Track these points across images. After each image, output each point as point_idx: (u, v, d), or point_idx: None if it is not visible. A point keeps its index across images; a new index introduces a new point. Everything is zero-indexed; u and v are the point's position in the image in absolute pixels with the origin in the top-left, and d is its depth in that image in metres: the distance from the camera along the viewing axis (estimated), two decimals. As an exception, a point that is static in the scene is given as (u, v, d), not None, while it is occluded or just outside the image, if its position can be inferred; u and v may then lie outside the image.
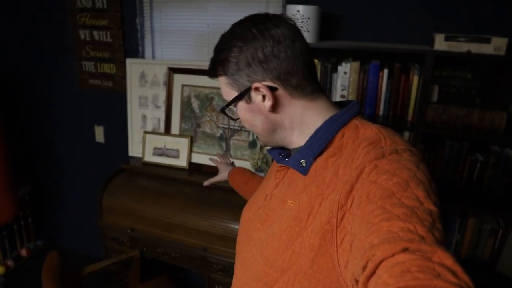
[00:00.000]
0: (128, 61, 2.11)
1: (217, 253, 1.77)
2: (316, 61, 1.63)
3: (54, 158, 2.61)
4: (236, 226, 1.74)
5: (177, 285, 1.46)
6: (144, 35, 2.12)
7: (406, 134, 1.55)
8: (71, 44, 2.23)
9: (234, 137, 1.99)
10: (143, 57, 2.15)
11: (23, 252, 2.71)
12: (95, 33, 2.15)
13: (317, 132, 0.68)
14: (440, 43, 1.38)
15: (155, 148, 2.11)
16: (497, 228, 1.61)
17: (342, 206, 0.56)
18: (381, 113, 1.62)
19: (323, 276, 0.59)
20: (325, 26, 1.66)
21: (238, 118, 0.75)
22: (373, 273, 0.41)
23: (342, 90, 1.62)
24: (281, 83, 0.68)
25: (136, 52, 2.13)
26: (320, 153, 0.66)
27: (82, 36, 2.19)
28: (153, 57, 2.15)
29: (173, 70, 2.04)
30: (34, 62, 2.38)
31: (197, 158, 2.05)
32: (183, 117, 2.08)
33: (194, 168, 2.04)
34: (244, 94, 0.69)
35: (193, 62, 2.02)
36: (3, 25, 2.37)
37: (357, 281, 0.46)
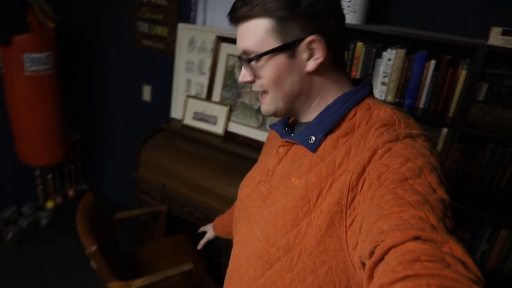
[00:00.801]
0: (180, 25, 2.21)
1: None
2: (360, 44, 1.61)
3: (104, 110, 2.83)
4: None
5: (196, 245, 1.59)
6: (198, 1, 2.20)
7: (445, 130, 1.50)
8: (131, 4, 2.36)
9: (270, 112, 2.04)
10: (194, 22, 2.23)
11: (70, 193, 3.02)
12: (152, -6, 2.26)
13: (328, 108, 0.66)
14: (496, 38, 1.30)
15: (195, 113, 2.22)
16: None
17: (353, 188, 0.55)
18: (421, 105, 1.57)
19: (329, 257, 0.59)
20: (374, 8, 1.62)
21: (254, 76, 0.67)
22: (381, 259, 0.41)
23: (384, 77, 1.60)
24: (330, 45, 0.62)
25: (188, 17, 2.22)
26: (331, 131, 0.64)
27: (141, -3, 2.31)
28: (204, 24, 2.23)
29: (221, 39, 2.10)
30: (96, 19, 2.56)
31: (233, 127, 2.13)
32: (225, 86, 2.15)
33: (229, 136, 2.13)
34: (290, 47, 0.62)
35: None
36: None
37: (363, 264, 0.46)
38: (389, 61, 1.57)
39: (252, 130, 2.08)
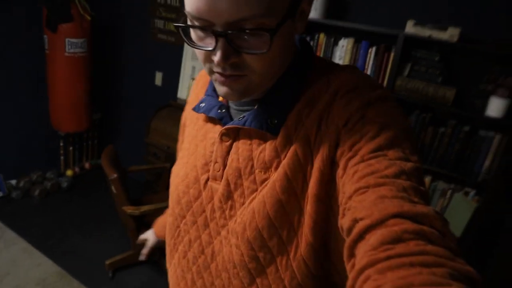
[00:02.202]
0: (189, 22, 2.83)
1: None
2: (322, 35, 2.21)
3: (122, 94, 3.43)
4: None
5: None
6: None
7: (380, 98, 2.07)
8: (150, 4, 3.01)
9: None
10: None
11: (87, 165, 3.59)
12: (168, -2, 2.91)
13: (282, 81, 0.59)
14: (410, 28, 1.89)
15: (196, 92, 2.81)
16: (447, 189, 2.07)
17: (333, 162, 0.53)
18: (365, 81, 2.15)
19: (327, 237, 0.56)
20: (332, 7, 2.23)
21: (268, 49, 0.49)
22: (359, 237, 0.41)
23: (339, 60, 2.18)
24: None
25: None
26: (290, 107, 0.58)
27: (158, 0, 2.96)
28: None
29: (220, 33, 2.72)
30: (122, 16, 3.21)
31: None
32: (221, 71, 2.75)
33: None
34: (296, 9, 0.53)
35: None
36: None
37: (343, 231, 0.46)
38: (343, 47, 2.16)
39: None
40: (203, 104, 0.67)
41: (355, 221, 0.43)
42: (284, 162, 0.57)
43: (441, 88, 1.91)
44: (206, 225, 0.66)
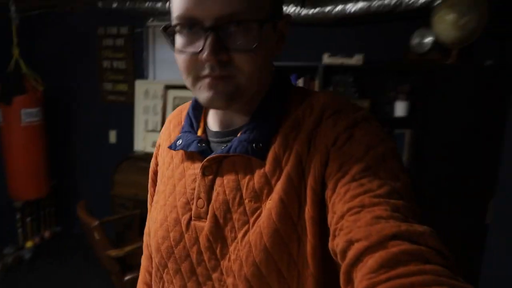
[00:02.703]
0: (137, 81, 3.17)
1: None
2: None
3: (77, 157, 3.57)
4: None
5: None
6: (148, 64, 3.20)
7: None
8: (97, 70, 3.31)
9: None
10: (147, 78, 3.21)
11: (47, 234, 3.58)
12: (114, 62, 3.23)
13: (263, 106, 0.60)
14: (326, 59, 2.42)
15: (153, 142, 3.09)
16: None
17: (323, 183, 0.53)
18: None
19: (327, 261, 0.53)
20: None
21: (255, 45, 0.52)
22: (357, 260, 0.41)
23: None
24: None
25: (142, 75, 3.20)
26: (275, 131, 0.59)
27: (105, 65, 3.27)
28: (154, 78, 3.21)
29: (167, 87, 3.08)
30: (72, 83, 3.44)
31: (183, 147, 3.02)
32: (174, 119, 3.08)
33: (181, 154, 3.00)
34: (278, 18, 0.58)
35: (181, 80, 3.07)
36: (54, 61, 3.47)
37: (336, 256, 0.46)
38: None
39: (197, 147, 2.99)
40: (180, 141, 0.65)
41: (351, 242, 0.42)
42: (278, 187, 0.55)
43: (358, 101, 2.43)
44: (193, 272, 0.61)
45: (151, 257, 0.74)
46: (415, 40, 2.19)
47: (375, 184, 0.47)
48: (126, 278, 2.30)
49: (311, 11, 2.47)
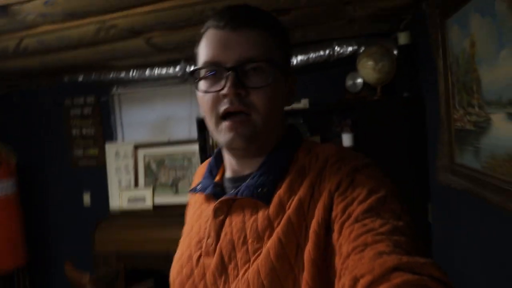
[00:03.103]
0: (107, 145, 3.39)
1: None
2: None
3: (51, 226, 3.63)
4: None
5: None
6: (117, 127, 3.45)
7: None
8: (66, 139, 3.49)
9: (180, 182, 3.22)
10: (116, 140, 3.44)
11: (24, 309, 3.53)
12: (83, 130, 3.44)
13: (271, 155, 0.66)
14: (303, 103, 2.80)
15: (128, 199, 3.26)
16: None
17: (328, 226, 0.56)
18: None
19: None
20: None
21: (268, 83, 0.62)
22: None
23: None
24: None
25: (111, 138, 3.42)
26: (280, 177, 0.64)
27: (74, 133, 3.47)
28: (123, 140, 3.45)
29: (136, 147, 3.32)
30: (41, 154, 3.58)
31: (158, 200, 3.22)
32: (146, 175, 3.30)
33: (157, 207, 3.20)
34: (289, 72, 0.68)
35: (151, 140, 3.34)
36: (24, 133, 3.61)
37: None
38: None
39: (170, 197, 3.20)
40: (199, 186, 0.75)
41: (356, 279, 0.44)
42: (278, 229, 0.59)
43: (311, 137, 2.80)
44: None
45: None
46: (349, 82, 2.62)
47: (377, 223, 0.49)
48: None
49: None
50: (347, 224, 0.52)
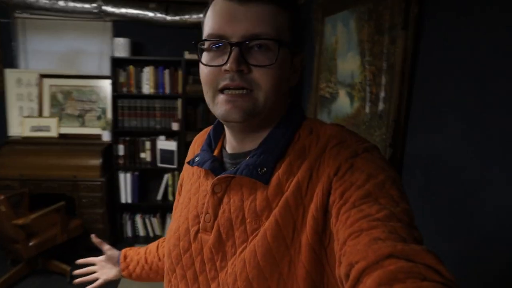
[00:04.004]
0: (7, 70, 3.39)
1: (83, 177, 3.20)
2: (131, 66, 3.33)
3: None
4: (95, 161, 3.22)
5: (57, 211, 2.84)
6: (19, 52, 3.45)
7: (179, 100, 3.35)
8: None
9: (87, 115, 3.48)
10: (18, 67, 3.46)
11: None
12: (-21, 52, 3.36)
13: (272, 134, 0.66)
14: (187, 55, 3.25)
15: (31, 127, 3.40)
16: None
17: (326, 210, 0.56)
18: (167, 91, 3.39)
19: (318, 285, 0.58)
20: (135, 47, 3.38)
21: (273, 63, 0.60)
22: (357, 281, 0.43)
23: (146, 81, 3.34)
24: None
25: (12, 64, 3.43)
26: (279, 158, 0.64)
27: (-33, 54, 3.36)
28: (26, 67, 3.48)
29: (43, 76, 3.42)
30: None
31: (64, 130, 3.44)
32: (52, 105, 3.45)
33: (62, 136, 3.42)
34: (297, 49, 0.66)
35: (57, 71, 3.46)
36: None
37: (341, 281, 0.48)
38: (147, 73, 3.33)
39: (76, 128, 3.46)
40: (197, 158, 0.73)
41: (351, 265, 0.45)
42: (276, 210, 0.60)
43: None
44: (195, 279, 0.67)
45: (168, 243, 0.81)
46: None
47: (374, 209, 0.50)
48: (31, 243, 2.75)
49: (174, 17, 3.25)
50: (344, 209, 0.52)
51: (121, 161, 3.42)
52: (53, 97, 3.46)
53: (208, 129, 0.81)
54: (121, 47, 3.19)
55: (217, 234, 0.65)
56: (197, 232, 0.68)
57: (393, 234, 0.46)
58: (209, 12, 0.64)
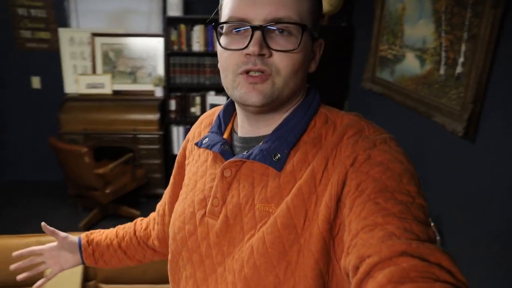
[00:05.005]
0: (60, 30, 3.57)
1: (142, 131, 3.52)
2: (182, 25, 3.54)
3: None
4: (149, 116, 3.52)
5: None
6: (71, 13, 3.61)
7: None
8: (10, 18, 3.52)
9: (138, 72, 3.73)
10: (70, 26, 3.63)
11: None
12: (32, 10, 3.51)
13: (289, 120, 0.66)
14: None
15: (87, 84, 3.65)
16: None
17: (339, 200, 0.56)
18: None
19: (326, 278, 0.59)
20: (185, 6, 3.57)
21: (296, 48, 0.60)
22: (367, 275, 0.44)
23: (197, 39, 3.57)
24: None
25: (65, 23, 3.60)
26: (294, 145, 0.64)
27: (20, 13, 3.51)
28: (78, 26, 3.66)
29: (95, 35, 3.61)
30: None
31: (116, 87, 3.70)
32: (104, 63, 3.68)
33: (116, 93, 3.69)
34: (317, 34, 0.66)
35: (108, 29, 3.65)
36: None
37: (347, 275, 0.49)
38: (197, 31, 3.55)
39: (128, 85, 3.72)
40: (206, 140, 0.73)
41: (362, 258, 0.46)
42: (288, 198, 0.60)
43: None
44: (201, 262, 0.68)
45: (158, 215, 0.92)
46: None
47: (389, 203, 0.50)
48: (108, 191, 3.12)
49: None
50: (359, 201, 0.52)
51: (173, 116, 3.72)
52: (105, 55, 3.68)
53: (216, 109, 0.81)
54: (175, 6, 3.38)
55: (224, 219, 0.65)
56: (203, 216, 0.69)
57: (408, 231, 0.46)
58: None
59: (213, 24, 0.65)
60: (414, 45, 2.19)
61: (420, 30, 2.13)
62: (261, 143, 0.65)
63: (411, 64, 2.22)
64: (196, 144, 0.75)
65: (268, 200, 0.62)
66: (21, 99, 3.78)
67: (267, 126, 0.67)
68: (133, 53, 3.70)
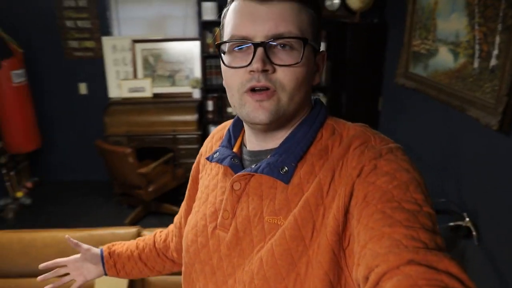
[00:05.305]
0: (104, 38, 3.81)
1: (181, 132, 3.68)
2: (217, 29, 3.66)
3: (47, 112, 4.08)
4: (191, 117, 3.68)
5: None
6: (113, 22, 3.85)
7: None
8: (59, 30, 3.80)
9: (176, 75, 3.90)
10: (112, 34, 3.87)
11: (29, 184, 4.13)
12: (78, 22, 3.77)
13: (295, 133, 0.67)
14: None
15: (129, 88, 3.86)
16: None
17: (347, 211, 0.57)
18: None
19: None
20: (220, 10, 3.69)
21: (298, 62, 0.61)
22: (376, 285, 0.44)
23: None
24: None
25: (107, 32, 3.84)
26: (301, 158, 0.65)
27: (68, 24, 3.78)
28: (119, 34, 3.89)
29: (135, 41, 3.82)
30: (34, 45, 3.84)
31: (156, 90, 3.89)
32: (144, 68, 3.89)
33: (156, 96, 3.88)
34: (318, 47, 0.67)
35: (147, 35, 3.85)
36: (24, 22, 3.77)
37: (359, 286, 0.50)
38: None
39: (167, 88, 3.91)
40: (216, 154, 0.74)
41: (371, 268, 0.46)
42: (295, 210, 0.61)
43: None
44: (213, 274, 0.70)
45: (176, 227, 0.95)
46: (328, 2, 3.44)
47: (397, 212, 0.50)
48: (150, 189, 3.30)
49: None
50: (366, 211, 0.53)
51: (210, 116, 3.87)
52: (145, 60, 3.88)
53: (227, 123, 0.82)
54: (209, 10, 3.51)
55: (234, 231, 0.67)
56: (215, 228, 0.71)
57: (415, 240, 0.47)
58: (229, 13, 0.65)
59: (216, 44, 0.67)
60: (447, 39, 2.17)
61: (453, 23, 2.12)
62: (268, 157, 0.67)
63: (444, 58, 2.21)
64: (208, 158, 0.77)
65: (276, 213, 0.63)
66: (69, 105, 4.06)
67: (274, 140, 0.69)
68: (171, 57, 3.88)
